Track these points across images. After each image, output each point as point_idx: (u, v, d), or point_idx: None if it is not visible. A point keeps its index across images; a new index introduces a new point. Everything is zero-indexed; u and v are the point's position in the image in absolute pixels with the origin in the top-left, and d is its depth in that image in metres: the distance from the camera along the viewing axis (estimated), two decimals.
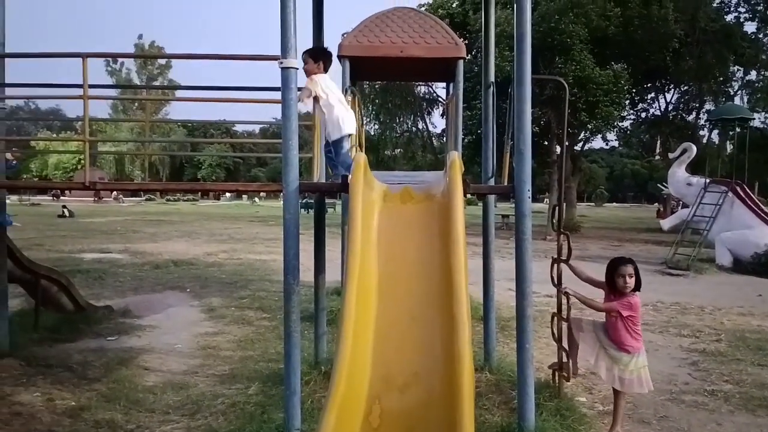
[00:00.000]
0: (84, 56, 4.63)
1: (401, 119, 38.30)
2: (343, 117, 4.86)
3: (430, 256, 3.49)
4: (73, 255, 14.75)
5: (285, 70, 4.01)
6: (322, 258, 5.49)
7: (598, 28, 22.55)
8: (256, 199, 63.58)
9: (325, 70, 5.04)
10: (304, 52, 5.11)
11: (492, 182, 5.91)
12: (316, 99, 4.97)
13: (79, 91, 4.79)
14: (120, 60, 76.95)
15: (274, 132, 59.69)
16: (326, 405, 2.59)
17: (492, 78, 6.10)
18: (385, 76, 11.50)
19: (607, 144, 38.18)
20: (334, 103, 4.85)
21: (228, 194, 69.55)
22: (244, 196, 69.74)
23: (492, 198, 6.01)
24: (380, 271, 3.41)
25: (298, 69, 4.09)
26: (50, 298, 7.36)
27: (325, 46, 5.51)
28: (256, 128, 77.27)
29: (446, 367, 2.77)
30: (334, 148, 4.96)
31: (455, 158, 3.85)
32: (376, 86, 33.26)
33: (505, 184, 5.18)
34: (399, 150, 40.92)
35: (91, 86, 4.86)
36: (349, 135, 4.94)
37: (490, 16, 6.24)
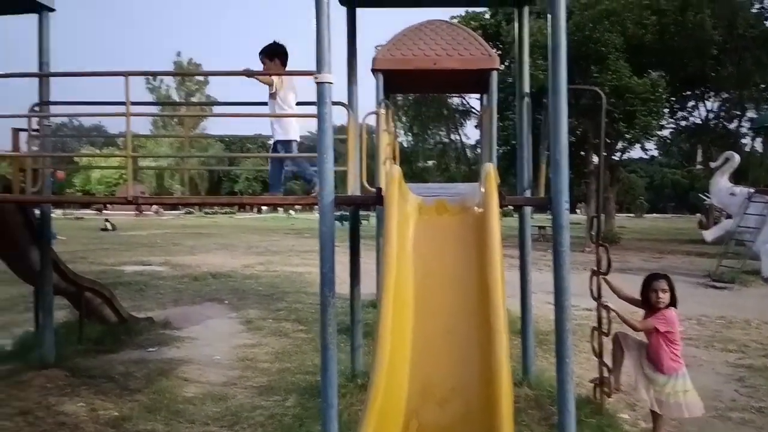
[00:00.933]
0: (126, 74, 4.78)
1: (434, 131, 38.31)
2: (294, 122, 5.33)
3: (466, 269, 3.47)
4: (115, 267, 15.14)
5: (320, 85, 4.06)
6: (358, 270, 5.52)
7: (633, 36, 22.21)
8: (292, 211, 64.25)
9: (283, 65, 5.47)
10: (259, 53, 5.59)
11: (528, 193, 5.85)
12: (272, 95, 5.39)
13: (122, 109, 4.95)
14: (159, 77, 79.07)
15: (309, 146, 60.39)
16: (363, 419, 2.59)
17: (527, 88, 6.06)
18: (418, 88, 11.54)
19: (646, 153, 37.40)
20: (291, 105, 5.29)
21: (264, 207, 70.59)
22: (279, 208, 70.66)
23: (528, 209, 5.94)
24: (416, 283, 3.40)
25: (332, 84, 4.14)
26: (94, 309, 7.56)
27: (276, 42, 5.68)
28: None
29: (484, 382, 2.74)
30: (284, 148, 5.35)
31: (490, 170, 3.83)
32: (410, 98, 33.38)
33: (542, 195, 5.12)
34: (432, 161, 40.90)
35: (133, 103, 5.02)
36: (297, 142, 5.37)
37: (523, 27, 6.21)
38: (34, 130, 6.19)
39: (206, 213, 68.79)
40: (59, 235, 7.98)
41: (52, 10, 6.41)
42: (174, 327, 8.31)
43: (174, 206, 69.38)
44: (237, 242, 25.27)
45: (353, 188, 5.18)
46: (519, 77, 6.20)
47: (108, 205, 60.74)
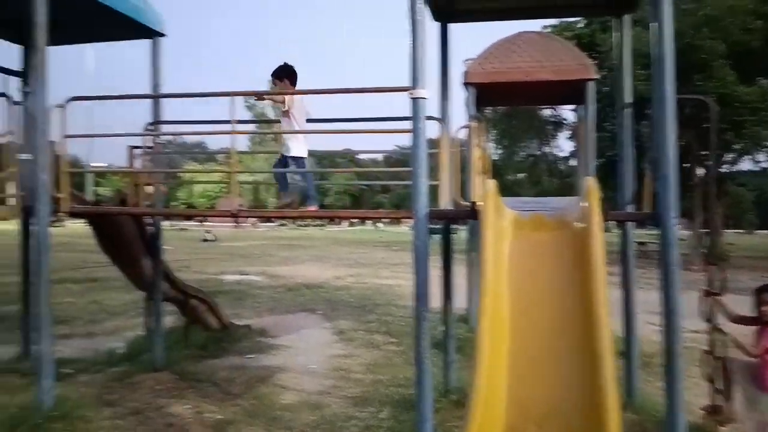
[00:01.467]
0: (232, 95, 5.07)
1: (525, 143, 37.50)
2: (303, 139, 5.68)
3: (565, 286, 3.37)
4: (216, 276, 15.94)
5: (415, 101, 4.12)
6: (450, 284, 5.49)
7: (739, 42, 20.79)
8: (380, 225, 65.11)
9: (293, 85, 5.88)
10: (271, 74, 5.97)
11: (630, 208, 5.59)
12: (285, 113, 5.77)
13: (227, 127, 5.25)
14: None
15: (398, 160, 61.13)
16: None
17: (628, 98, 5.82)
18: (511, 101, 11.35)
19: (757, 165, 34.58)
20: (302, 123, 5.67)
21: (354, 220, 71.99)
22: (368, 222, 71.81)
23: (630, 225, 5.68)
24: (512, 300, 3.34)
25: (427, 99, 4.18)
26: (199, 316, 8.00)
27: (286, 63, 6.01)
28: (380, 156, 79.41)
29: (588, 404, 2.65)
30: (296, 163, 5.68)
31: (592, 183, 3.70)
32: (498, 111, 32.93)
33: (646, 209, 4.88)
34: (523, 174, 40.01)
35: (237, 122, 5.30)
36: (305, 159, 5.73)
37: (624, 35, 5.98)
38: (148, 148, 6.69)
39: (299, 226, 71.02)
40: (165, 245, 8.51)
41: (164, 35, 6.89)
42: (270, 335, 8.63)
43: (268, 219, 72.23)
44: (328, 254, 25.90)
45: (445, 202, 5.17)
46: (619, 87, 5.97)
47: (209, 217, 64.28)
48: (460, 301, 7.32)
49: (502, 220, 3.93)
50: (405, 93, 4.18)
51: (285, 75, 5.90)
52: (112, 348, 7.63)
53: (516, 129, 35.24)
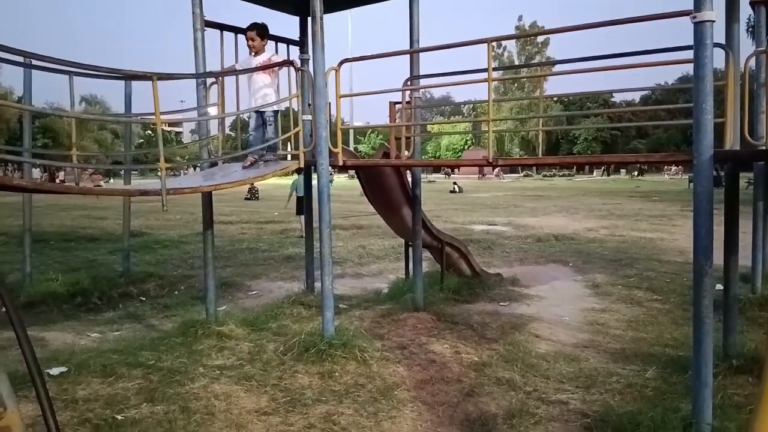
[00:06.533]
0: (489, 41, 5.00)
1: None
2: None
3: None
4: (465, 226, 16.43)
5: (699, 25, 3.58)
6: (736, 238, 4.79)
7: None
8: (637, 174, 59.98)
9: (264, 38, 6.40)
10: (252, 29, 6.34)
11: None
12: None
13: (481, 76, 5.21)
14: (503, 43, 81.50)
15: (657, 100, 54.83)
16: (758, 410, 2.23)
17: None
18: None
19: None
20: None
21: (601, 169, 67.49)
22: (622, 170, 66.62)
23: None
24: None
25: (714, 21, 3.60)
26: (452, 263, 8.35)
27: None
28: (635, 97, 72.28)
29: None
30: (274, 119, 6.13)
31: None
32: None
33: None
34: None
35: (484, 70, 5.21)
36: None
37: None
38: (407, 102, 7.04)
39: (544, 176, 69.20)
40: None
41: None
42: (522, 285, 8.62)
43: (512, 169, 71.67)
44: (577, 205, 24.74)
45: (732, 142, 4.47)
46: None
47: (455, 169, 66.24)
48: (741, 259, 6.36)
49: None
50: (685, 18, 3.65)
51: (267, 35, 6.46)
52: (378, 288, 8.43)
53: None
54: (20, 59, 5.05)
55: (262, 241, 13.93)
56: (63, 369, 4.74)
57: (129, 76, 6.72)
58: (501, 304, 7.51)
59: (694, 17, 3.57)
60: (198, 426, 3.87)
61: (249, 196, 29.05)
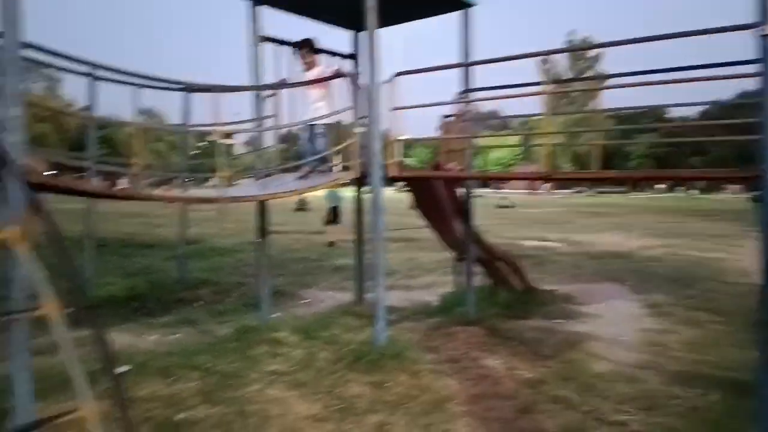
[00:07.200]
0: (545, 54, 4.95)
1: None
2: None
3: None
4: (515, 241, 16.18)
5: (766, 38, 3.46)
6: None
7: None
8: (694, 191, 57.90)
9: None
10: (303, 45, 6.68)
11: None
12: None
13: (534, 89, 5.17)
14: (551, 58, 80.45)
15: (714, 115, 52.87)
16: None
17: None
18: None
19: None
20: None
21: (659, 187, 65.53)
22: (678, 188, 64.58)
23: None
24: None
25: None
26: (503, 277, 8.23)
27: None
28: (691, 113, 69.85)
29: None
30: (326, 131, 6.38)
31: None
32: None
33: None
34: None
35: (527, 85, 5.17)
36: None
37: None
38: (459, 115, 7.03)
39: (598, 192, 67.65)
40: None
41: (474, 5, 7.06)
42: (577, 303, 8.41)
43: (564, 185, 70.31)
44: (633, 222, 24.05)
45: None
46: None
47: (505, 184, 65.52)
48: None
49: None
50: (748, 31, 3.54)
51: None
52: (427, 301, 8.39)
53: None
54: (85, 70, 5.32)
55: (312, 251, 14.10)
56: (127, 367, 4.90)
57: (191, 89, 6.99)
58: (555, 321, 7.34)
59: (762, 30, 3.45)
60: (255, 429, 3.93)
61: (299, 207, 29.50)
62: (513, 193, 55.60)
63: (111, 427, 2.54)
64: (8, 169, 2.85)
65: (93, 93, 8.13)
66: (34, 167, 3.79)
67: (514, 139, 54.33)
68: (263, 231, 6.60)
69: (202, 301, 8.51)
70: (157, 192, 5.99)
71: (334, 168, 6.73)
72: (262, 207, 6.64)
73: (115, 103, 8.54)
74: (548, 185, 61.20)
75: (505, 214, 29.30)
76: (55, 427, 2.44)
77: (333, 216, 16.32)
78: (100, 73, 5.75)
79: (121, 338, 6.38)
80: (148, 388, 4.55)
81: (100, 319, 2.78)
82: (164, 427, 3.87)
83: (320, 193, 20.62)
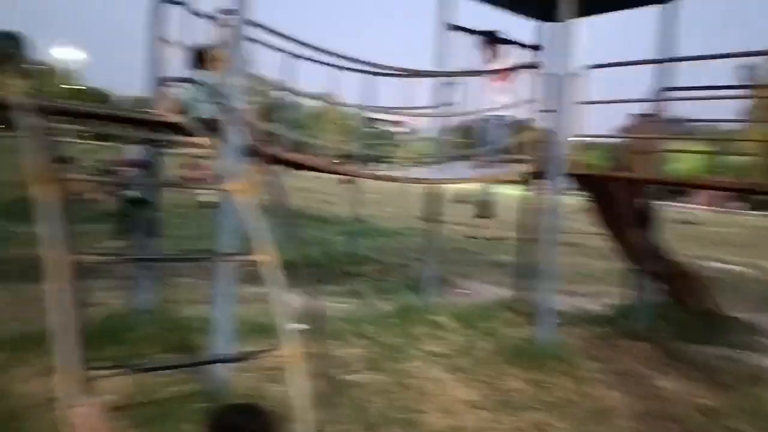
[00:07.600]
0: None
1: None
2: None
3: None
4: (694, 261, 14.74)
5: None
6: None
7: None
8: None
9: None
10: (486, 36, 6.51)
11: None
12: None
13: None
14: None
15: None
16: None
17: None
18: None
19: None
20: None
21: None
22: None
23: None
24: None
25: None
26: (683, 296, 7.58)
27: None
28: None
29: None
30: (507, 123, 5.97)
31: None
32: None
33: None
34: None
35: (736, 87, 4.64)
36: None
37: None
38: (653, 115, 6.57)
39: None
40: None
41: None
42: (765, 335, 7.50)
43: (760, 204, 62.42)
44: None
45: None
46: None
47: (687, 198, 59.71)
48: None
49: None
50: None
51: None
52: (591, 308, 8.00)
53: None
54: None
55: (474, 243, 14.10)
56: (306, 326, 5.34)
57: (382, 73, 7.31)
58: (738, 351, 6.63)
59: None
60: (413, 402, 4.09)
61: (479, 214, 29.37)
62: (696, 208, 50.57)
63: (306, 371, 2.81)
64: (238, 130, 3.25)
65: (291, 71, 8.87)
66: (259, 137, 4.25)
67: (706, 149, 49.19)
68: (433, 216, 6.76)
69: (366, 277, 8.95)
70: (363, 170, 6.18)
71: (509, 161, 6.67)
72: (435, 193, 6.79)
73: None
74: (738, 203, 54.64)
75: (687, 230, 26.75)
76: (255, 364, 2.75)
77: (484, 211, 16.23)
78: (300, 51, 5.91)
79: (295, 300, 6.95)
80: (319, 348, 4.92)
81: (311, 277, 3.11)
82: (334, 384, 4.17)
83: (474, 187, 20.53)
